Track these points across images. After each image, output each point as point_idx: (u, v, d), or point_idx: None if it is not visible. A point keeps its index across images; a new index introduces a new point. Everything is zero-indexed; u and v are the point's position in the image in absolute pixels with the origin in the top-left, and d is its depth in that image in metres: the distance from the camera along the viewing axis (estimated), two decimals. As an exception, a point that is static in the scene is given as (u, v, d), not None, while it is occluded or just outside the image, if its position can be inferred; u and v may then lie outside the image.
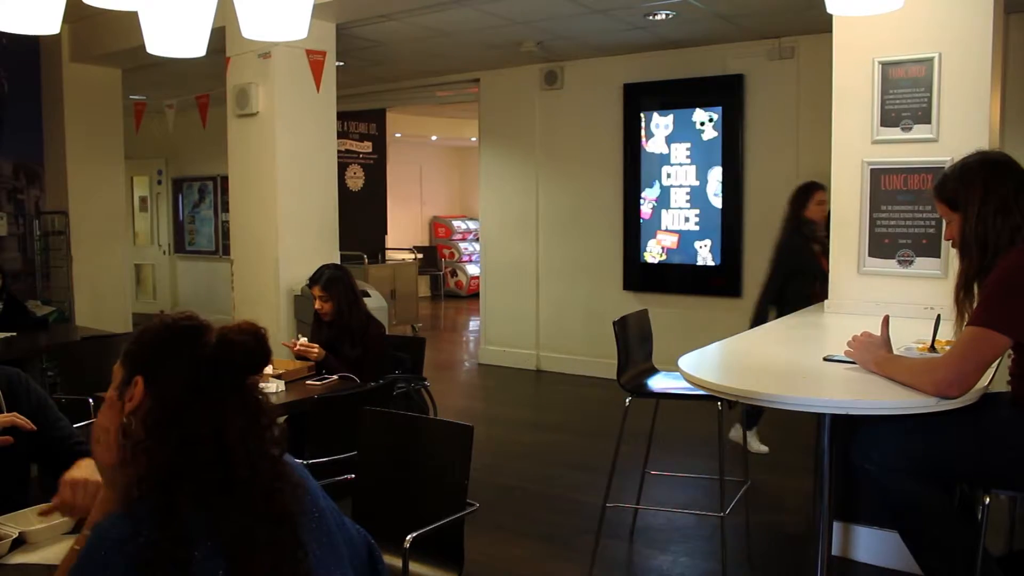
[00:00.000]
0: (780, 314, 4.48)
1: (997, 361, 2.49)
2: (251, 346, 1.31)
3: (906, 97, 3.65)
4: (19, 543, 1.86)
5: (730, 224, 6.73)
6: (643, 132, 7.04)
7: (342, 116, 7.92)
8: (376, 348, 4.09)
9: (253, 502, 1.26)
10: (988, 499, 2.33)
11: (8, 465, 2.12)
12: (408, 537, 2.27)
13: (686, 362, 2.63)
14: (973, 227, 2.33)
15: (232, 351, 1.30)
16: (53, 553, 1.81)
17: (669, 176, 6.96)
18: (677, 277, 7.00)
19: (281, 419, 3.95)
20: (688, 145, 6.87)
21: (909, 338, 2.73)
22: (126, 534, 1.20)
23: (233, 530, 1.24)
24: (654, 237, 7.06)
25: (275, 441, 1.33)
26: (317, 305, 4.09)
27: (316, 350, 3.94)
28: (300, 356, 4.08)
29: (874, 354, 2.41)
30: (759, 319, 4.76)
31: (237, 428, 1.28)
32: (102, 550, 1.20)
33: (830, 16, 3.35)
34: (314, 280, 4.13)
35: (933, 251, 3.63)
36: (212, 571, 1.21)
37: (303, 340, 3.99)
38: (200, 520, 1.22)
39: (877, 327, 2.51)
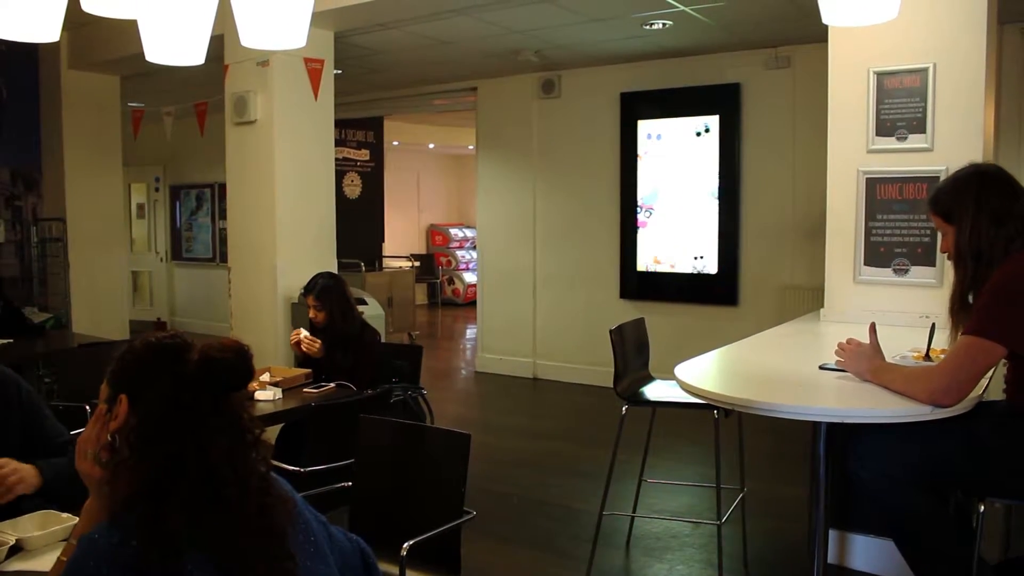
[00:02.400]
0: None
1: (992, 370, 2.50)
2: (233, 363, 1.32)
3: (901, 107, 3.67)
4: (16, 550, 1.86)
5: (727, 232, 6.74)
6: (640, 140, 7.07)
7: (340, 124, 7.94)
8: (371, 355, 4.09)
9: (244, 517, 1.27)
10: (983, 507, 2.34)
11: None
12: (405, 544, 2.27)
13: (683, 370, 2.64)
14: (967, 239, 2.34)
15: (214, 368, 1.31)
16: (50, 560, 1.81)
17: (666, 184, 6.98)
18: (674, 285, 7.01)
19: (277, 427, 3.95)
20: (685, 154, 6.89)
21: (904, 346, 2.74)
22: (115, 542, 1.20)
23: (225, 544, 1.24)
24: (651, 245, 7.08)
25: (261, 458, 1.34)
26: (311, 314, 4.11)
27: (319, 345, 3.98)
28: (301, 363, 4.09)
29: (868, 363, 2.42)
30: None
31: (221, 445, 1.28)
32: (91, 559, 1.20)
33: (825, 26, 3.38)
34: (308, 290, 4.15)
35: (928, 260, 3.65)
36: None
37: (306, 334, 4.02)
38: (190, 534, 1.23)
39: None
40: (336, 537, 1.49)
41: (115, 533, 1.21)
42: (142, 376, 1.33)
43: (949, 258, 2.46)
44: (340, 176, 9.48)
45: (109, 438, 1.33)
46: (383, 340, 4.51)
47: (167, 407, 1.28)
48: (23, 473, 1.98)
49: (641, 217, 7.08)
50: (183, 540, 1.21)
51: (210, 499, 1.25)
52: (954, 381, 2.19)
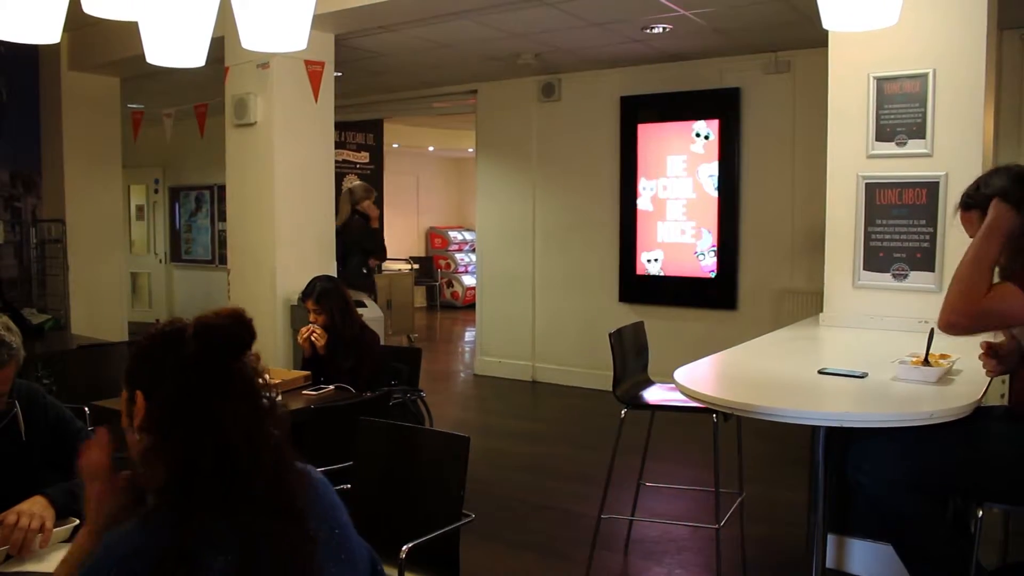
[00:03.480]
0: None
1: (989, 379, 2.50)
2: (231, 328, 1.32)
3: (901, 112, 3.68)
4: (15, 551, 1.86)
5: (726, 236, 6.75)
6: (639, 144, 7.07)
7: (339, 126, 7.94)
8: (371, 357, 4.10)
9: (258, 494, 1.26)
10: (981, 512, 2.34)
11: (17, 477, 2.11)
12: (404, 547, 2.27)
13: (682, 374, 2.65)
14: None
15: (212, 335, 1.31)
16: (50, 563, 1.81)
17: (665, 188, 6.99)
18: (673, 289, 7.00)
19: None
20: (684, 158, 6.89)
21: (903, 351, 2.74)
22: (136, 546, 1.20)
23: (239, 523, 1.24)
24: (650, 249, 7.08)
25: (276, 423, 1.34)
26: (311, 318, 4.12)
27: (326, 338, 4.02)
28: (305, 364, 4.10)
29: (993, 228, 2.35)
30: None
31: (236, 412, 1.28)
32: (111, 563, 1.20)
33: (825, 31, 3.38)
34: (306, 294, 4.16)
35: (927, 265, 3.65)
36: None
37: (315, 325, 4.07)
38: (214, 527, 1.22)
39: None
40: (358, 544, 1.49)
41: (138, 537, 1.21)
42: (148, 366, 1.35)
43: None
44: (340, 178, 9.47)
45: (137, 436, 1.34)
46: (382, 343, 4.51)
47: (178, 386, 1.29)
48: (36, 511, 1.90)
49: (640, 221, 7.06)
50: (208, 538, 1.21)
51: (227, 476, 1.25)
52: (974, 309, 2.21)
